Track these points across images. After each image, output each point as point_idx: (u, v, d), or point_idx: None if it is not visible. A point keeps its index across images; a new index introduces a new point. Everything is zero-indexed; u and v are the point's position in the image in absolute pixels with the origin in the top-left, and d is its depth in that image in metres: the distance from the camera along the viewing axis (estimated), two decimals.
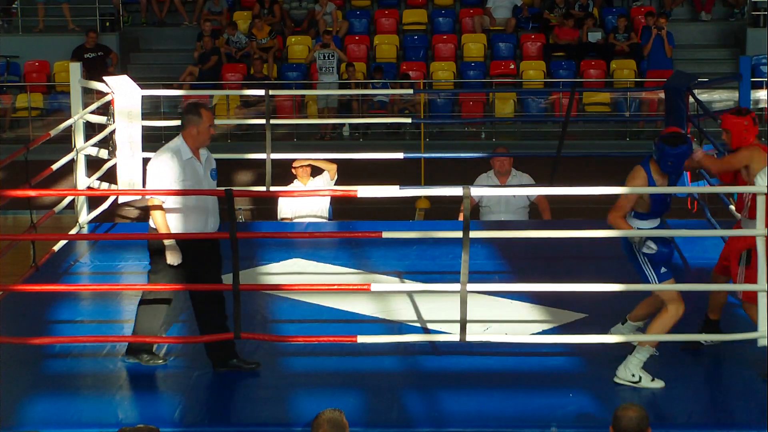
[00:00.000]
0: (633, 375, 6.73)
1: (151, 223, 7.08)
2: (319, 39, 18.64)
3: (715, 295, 7.33)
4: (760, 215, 6.98)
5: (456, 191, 6.91)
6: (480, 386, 6.73)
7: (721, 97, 16.90)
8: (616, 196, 7.12)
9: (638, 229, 6.94)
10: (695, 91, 9.90)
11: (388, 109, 17.80)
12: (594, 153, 14.79)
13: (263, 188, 9.88)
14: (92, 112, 9.94)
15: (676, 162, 6.81)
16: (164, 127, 15.52)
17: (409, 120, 16.58)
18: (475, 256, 8.47)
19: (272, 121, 10.32)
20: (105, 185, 10.06)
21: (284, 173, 10.83)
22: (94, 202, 9.99)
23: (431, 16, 19.85)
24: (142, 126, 9.95)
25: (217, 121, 18.64)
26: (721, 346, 7.19)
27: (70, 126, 9.64)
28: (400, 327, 7.64)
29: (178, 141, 7.27)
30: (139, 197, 12.84)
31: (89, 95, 10.56)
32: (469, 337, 6.90)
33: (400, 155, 10.62)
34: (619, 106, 17.92)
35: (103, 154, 10.01)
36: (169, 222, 7.00)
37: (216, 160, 12.65)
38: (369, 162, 10.95)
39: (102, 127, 10.08)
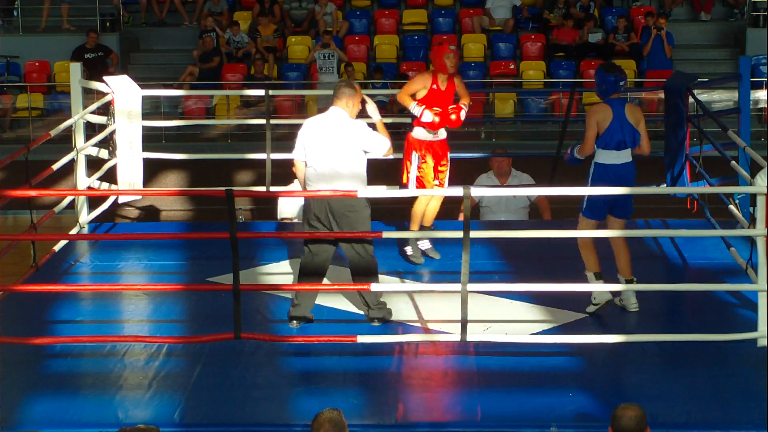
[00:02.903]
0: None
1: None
2: (319, 39, 18.65)
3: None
4: (760, 215, 7.01)
5: (456, 191, 6.92)
6: (480, 386, 6.73)
7: (721, 97, 16.89)
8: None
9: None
10: (695, 91, 9.90)
11: (388, 109, 17.80)
12: None
13: (263, 188, 9.89)
14: (92, 112, 9.94)
15: (609, 88, 7.84)
16: (164, 127, 15.60)
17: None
18: (475, 256, 8.48)
19: (272, 121, 10.34)
20: (105, 185, 10.06)
21: (284, 173, 10.82)
22: (94, 202, 9.99)
23: (431, 16, 19.84)
24: (142, 126, 9.95)
25: (217, 121, 18.72)
26: (721, 346, 7.19)
27: (71, 126, 9.64)
28: (400, 327, 7.64)
29: (344, 113, 7.64)
30: (139, 197, 12.85)
31: (89, 95, 10.56)
32: (469, 337, 6.92)
33: (400, 155, 10.62)
34: None
35: (104, 154, 10.01)
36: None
37: (216, 160, 12.72)
38: (369, 162, 10.93)
39: (102, 127, 10.08)
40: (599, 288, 7.66)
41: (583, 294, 7.83)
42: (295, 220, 10.64)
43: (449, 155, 8.94)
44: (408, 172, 8.80)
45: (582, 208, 7.85)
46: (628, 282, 7.85)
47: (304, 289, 7.54)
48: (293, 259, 9.15)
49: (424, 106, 8.67)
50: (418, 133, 8.77)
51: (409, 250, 8.95)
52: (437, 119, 8.67)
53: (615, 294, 7.92)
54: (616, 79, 7.81)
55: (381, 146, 7.71)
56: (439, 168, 8.84)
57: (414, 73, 18.05)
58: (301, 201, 10.58)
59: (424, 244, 9.06)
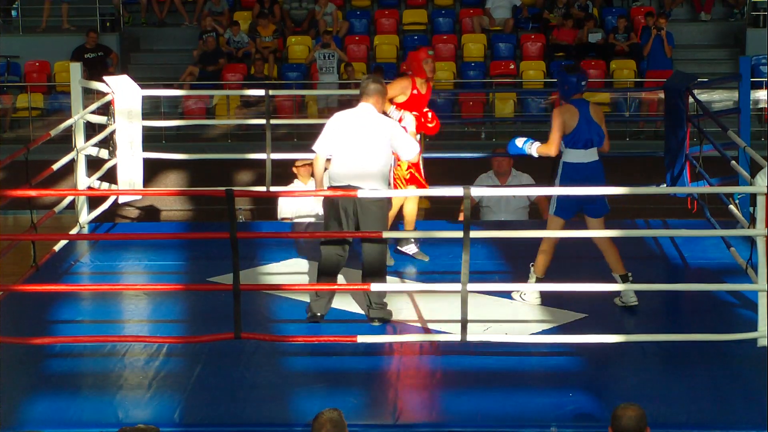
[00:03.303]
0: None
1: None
2: (319, 39, 18.65)
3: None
4: (760, 215, 7.01)
5: (456, 191, 6.92)
6: (480, 386, 6.73)
7: (721, 97, 16.89)
8: (616, 197, 7.13)
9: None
10: (695, 91, 9.90)
11: None
12: None
13: (263, 188, 9.89)
14: (92, 112, 9.94)
15: (571, 88, 7.96)
16: (164, 127, 15.60)
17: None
18: (475, 256, 8.47)
19: (272, 121, 10.32)
20: (105, 185, 10.06)
21: (284, 173, 10.83)
22: (94, 202, 9.99)
23: (431, 16, 19.85)
24: (143, 126, 9.95)
25: (217, 121, 18.72)
26: (721, 346, 7.19)
27: (71, 126, 9.64)
28: (400, 327, 7.64)
29: (374, 109, 7.67)
30: (139, 197, 12.84)
31: (89, 95, 10.56)
32: (469, 337, 6.92)
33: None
34: (619, 106, 17.91)
35: (104, 154, 10.01)
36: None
37: (216, 160, 12.69)
38: None
39: (102, 127, 10.08)
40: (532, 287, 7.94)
41: (583, 294, 7.84)
42: (295, 220, 10.64)
43: (449, 155, 8.94)
44: None
45: (552, 208, 7.98)
46: (622, 277, 7.92)
47: (305, 289, 7.53)
48: (293, 259, 9.15)
49: (403, 110, 8.64)
50: None
51: None
52: (414, 126, 8.64)
53: (615, 294, 7.92)
54: (578, 79, 7.97)
55: (410, 149, 7.71)
56: (410, 171, 8.83)
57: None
58: (301, 201, 10.58)
59: (411, 249, 9.05)
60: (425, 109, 8.79)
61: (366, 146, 7.56)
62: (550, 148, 7.88)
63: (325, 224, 7.71)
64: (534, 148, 7.97)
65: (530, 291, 7.97)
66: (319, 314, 7.63)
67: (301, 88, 18.34)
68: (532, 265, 8.08)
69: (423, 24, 19.77)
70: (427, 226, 10.37)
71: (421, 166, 8.89)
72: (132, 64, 19.12)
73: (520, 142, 8.08)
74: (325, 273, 7.63)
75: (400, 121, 8.58)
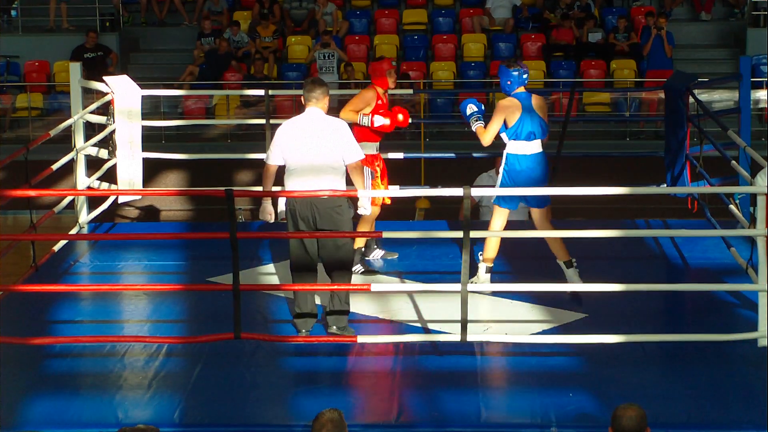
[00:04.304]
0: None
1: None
2: (319, 39, 18.65)
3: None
4: (760, 215, 7.01)
5: (456, 191, 6.92)
6: (480, 386, 6.73)
7: (721, 97, 16.90)
8: (616, 197, 7.13)
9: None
10: (695, 91, 9.90)
11: None
12: (594, 153, 14.80)
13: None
14: (92, 112, 9.94)
15: (514, 83, 7.92)
16: (164, 127, 15.60)
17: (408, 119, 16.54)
18: (475, 257, 8.47)
19: (272, 121, 10.32)
20: (105, 185, 10.06)
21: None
22: (94, 202, 9.99)
23: (431, 16, 19.85)
24: (142, 126, 9.95)
25: (217, 121, 18.70)
26: (721, 346, 7.19)
27: (70, 126, 9.64)
28: (400, 327, 7.64)
29: (321, 112, 7.57)
30: (139, 197, 12.83)
31: (89, 95, 10.56)
32: (469, 337, 6.92)
33: (400, 155, 10.63)
34: (619, 106, 17.92)
35: (103, 154, 10.01)
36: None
37: (216, 160, 12.67)
38: None
39: (102, 127, 10.08)
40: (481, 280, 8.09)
41: (582, 294, 7.84)
42: None
43: (449, 155, 8.92)
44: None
45: (495, 198, 8.11)
46: (567, 263, 8.09)
47: (304, 290, 7.53)
48: None
49: (371, 114, 8.64)
50: (365, 148, 8.49)
51: (359, 267, 8.75)
52: (388, 121, 8.67)
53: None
54: (520, 73, 8.01)
55: (354, 154, 7.46)
56: (381, 180, 8.87)
57: (413, 73, 18.06)
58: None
59: (378, 253, 9.04)
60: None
61: (319, 151, 7.41)
62: (484, 138, 7.98)
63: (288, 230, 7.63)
64: (474, 126, 8.07)
65: (481, 276, 8.10)
66: (304, 315, 7.55)
67: (301, 88, 18.30)
68: (483, 259, 8.16)
69: (423, 24, 19.77)
70: (427, 226, 10.37)
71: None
72: (132, 64, 19.12)
73: (470, 109, 8.14)
74: (298, 270, 7.54)
75: (372, 123, 8.63)
